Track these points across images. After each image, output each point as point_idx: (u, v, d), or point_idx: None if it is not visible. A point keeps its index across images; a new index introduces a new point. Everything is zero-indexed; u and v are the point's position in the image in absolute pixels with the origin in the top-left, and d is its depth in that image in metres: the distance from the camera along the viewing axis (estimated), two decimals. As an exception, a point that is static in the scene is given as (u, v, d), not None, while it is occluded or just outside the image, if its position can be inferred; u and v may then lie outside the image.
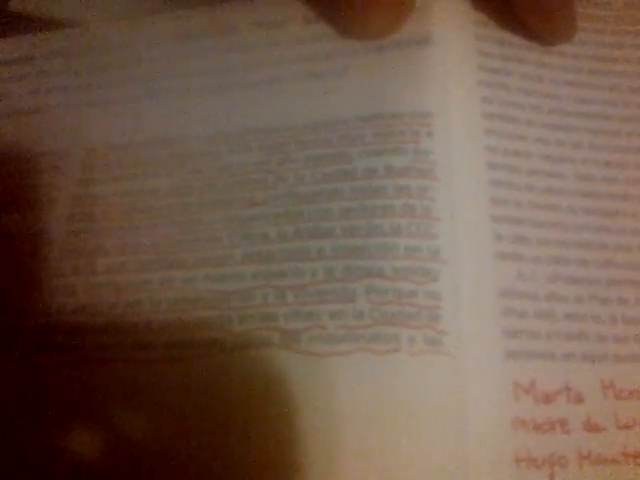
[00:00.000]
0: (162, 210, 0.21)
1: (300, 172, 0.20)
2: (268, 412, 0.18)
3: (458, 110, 0.21)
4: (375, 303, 0.18)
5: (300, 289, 0.19)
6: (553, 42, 0.22)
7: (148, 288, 0.20)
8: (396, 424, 0.18)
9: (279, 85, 0.22)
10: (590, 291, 0.20)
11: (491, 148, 0.21)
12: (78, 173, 0.22)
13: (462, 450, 0.18)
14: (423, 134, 0.20)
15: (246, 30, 0.23)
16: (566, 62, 0.22)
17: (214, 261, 0.20)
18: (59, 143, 0.22)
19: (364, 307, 0.18)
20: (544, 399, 0.19)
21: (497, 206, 0.20)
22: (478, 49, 0.22)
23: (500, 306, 0.19)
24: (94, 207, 0.21)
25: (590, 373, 0.19)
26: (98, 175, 0.22)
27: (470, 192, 0.20)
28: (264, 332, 0.19)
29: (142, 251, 0.20)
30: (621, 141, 0.22)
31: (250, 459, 0.18)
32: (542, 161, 0.21)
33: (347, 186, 0.20)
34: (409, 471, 0.18)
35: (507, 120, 0.21)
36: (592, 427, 0.19)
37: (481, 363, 0.19)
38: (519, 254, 0.20)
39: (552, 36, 0.22)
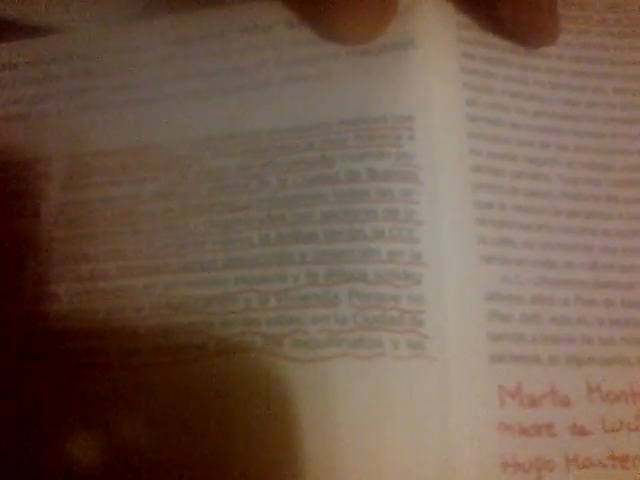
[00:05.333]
0: (145, 216, 0.21)
1: (283, 176, 0.20)
2: (251, 417, 0.18)
3: (441, 113, 0.21)
4: (358, 307, 0.18)
5: (282, 294, 0.19)
6: (537, 44, 0.22)
7: (131, 294, 0.20)
8: (381, 430, 0.18)
9: (262, 90, 0.22)
10: (576, 293, 0.20)
11: (475, 151, 0.21)
12: (63, 179, 0.22)
13: (448, 456, 0.18)
14: (405, 137, 0.20)
15: (229, 35, 0.23)
16: (550, 64, 0.22)
17: (196, 266, 0.20)
18: (44, 150, 0.22)
19: (347, 312, 0.18)
20: (530, 403, 0.19)
21: (481, 209, 0.20)
22: (461, 51, 0.22)
23: (485, 310, 0.19)
24: (78, 213, 0.21)
25: (576, 376, 0.19)
26: (82, 181, 0.22)
27: (454, 195, 0.20)
28: (247, 337, 0.18)
29: (126, 257, 0.20)
30: (606, 143, 0.22)
31: (232, 462, 0.18)
32: (527, 163, 0.21)
33: (330, 190, 0.20)
34: (395, 479, 0.17)
35: (491, 123, 0.21)
36: (579, 430, 0.19)
37: (466, 367, 0.19)
38: (504, 257, 0.20)
39: (535, 38, 0.22)
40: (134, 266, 0.20)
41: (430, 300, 0.19)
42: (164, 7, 0.22)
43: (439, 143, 0.20)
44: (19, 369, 0.19)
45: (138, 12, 0.22)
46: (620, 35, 0.23)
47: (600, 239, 0.20)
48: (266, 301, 0.19)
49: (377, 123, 0.20)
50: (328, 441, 0.18)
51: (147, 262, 0.20)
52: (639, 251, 0.20)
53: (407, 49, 0.21)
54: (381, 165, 0.20)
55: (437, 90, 0.21)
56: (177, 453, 0.18)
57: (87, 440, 0.18)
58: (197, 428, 0.18)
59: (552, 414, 0.19)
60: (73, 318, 0.20)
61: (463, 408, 0.18)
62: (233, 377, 0.18)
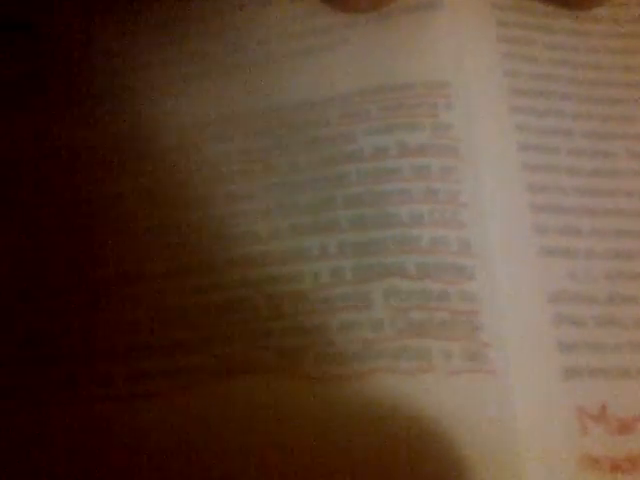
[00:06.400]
0: (127, 215, 0.17)
1: (292, 158, 0.16)
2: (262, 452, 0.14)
3: (478, 82, 0.17)
4: (397, 310, 0.14)
5: (299, 297, 0.15)
6: (583, 6, 0.19)
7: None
8: (432, 464, 0.13)
9: (261, 66, 0.18)
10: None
11: (522, 127, 0.17)
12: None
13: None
14: (441, 106, 0.17)
15: (228, 13, 0.20)
16: (604, 27, 0.19)
17: (189, 270, 0.16)
18: None
19: (383, 315, 0.14)
20: (620, 429, 0.15)
21: (536, 193, 0.17)
22: (496, 19, 0.19)
23: (550, 313, 0.15)
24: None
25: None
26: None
27: (502, 176, 0.17)
28: (255, 353, 0.14)
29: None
30: None
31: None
32: (585, 139, 0.17)
33: (352, 169, 0.16)
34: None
35: (537, 95, 0.18)
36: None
37: (534, 385, 0.15)
38: (569, 249, 0.16)
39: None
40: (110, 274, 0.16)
41: (486, 300, 0.15)
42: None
43: (480, 115, 0.17)
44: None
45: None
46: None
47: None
48: (279, 307, 0.15)
49: (405, 91, 0.17)
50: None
51: (128, 268, 0.16)
52: None
53: (433, 10, 0.18)
54: (413, 138, 0.16)
55: (472, 55, 0.18)
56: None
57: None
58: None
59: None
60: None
61: (532, 438, 0.15)
62: (238, 405, 0.14)
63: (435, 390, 0.14)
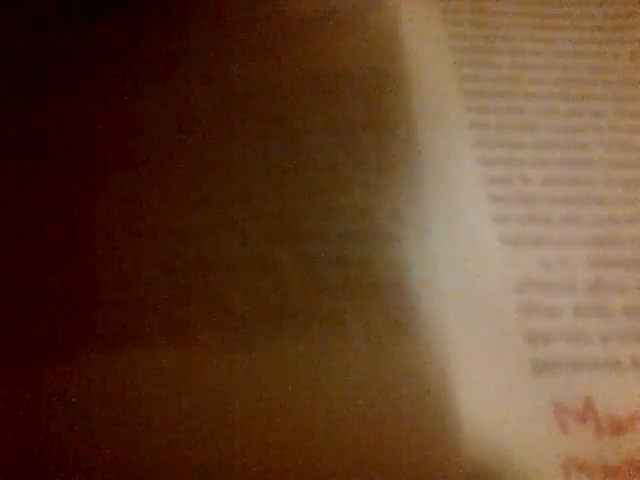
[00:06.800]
0: None
1: None
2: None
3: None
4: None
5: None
6: None
7: None
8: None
9: None
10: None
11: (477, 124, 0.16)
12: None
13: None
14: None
15: None
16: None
17: None
18: None
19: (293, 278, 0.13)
20: (613, 428, 0.12)
21: (495, 185, 0.15)
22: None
23: (516, 302, 0.13)
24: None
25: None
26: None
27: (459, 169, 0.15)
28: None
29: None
30: None
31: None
32: (553, 133, 0.16)
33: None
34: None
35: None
36: None
37: (501, 379, 0.12)
38: (538, 237, 0.14)
39: None
40: None
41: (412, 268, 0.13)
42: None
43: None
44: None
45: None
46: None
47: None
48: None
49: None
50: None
51: None
52: None
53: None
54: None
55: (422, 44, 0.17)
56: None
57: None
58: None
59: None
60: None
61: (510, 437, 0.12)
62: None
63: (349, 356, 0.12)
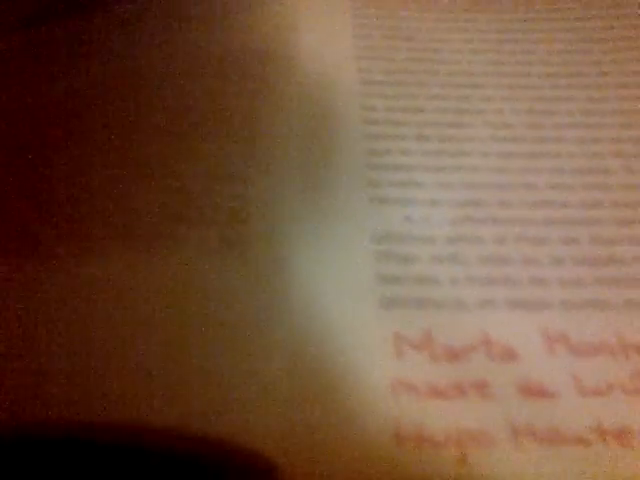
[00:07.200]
0: None
1: None
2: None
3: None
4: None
5: None
6: None
7: None
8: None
9: None
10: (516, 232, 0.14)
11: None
12: None
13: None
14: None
15: None
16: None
17: None
18: None
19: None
20: (447, 356, 0.12)
21: (375, 157, 0.16)
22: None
23: (373, 250, 0.14)
24: None
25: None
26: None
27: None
28: None
29: None
30: None
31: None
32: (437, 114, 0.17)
33: None
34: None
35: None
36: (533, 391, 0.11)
37: (352, 312, 0.13)
38: (406, 198, 0.15)
39: None
40: None
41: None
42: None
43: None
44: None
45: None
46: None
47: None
48: None
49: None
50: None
51: None
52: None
53: None
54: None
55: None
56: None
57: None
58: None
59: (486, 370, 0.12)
60: None
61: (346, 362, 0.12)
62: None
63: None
